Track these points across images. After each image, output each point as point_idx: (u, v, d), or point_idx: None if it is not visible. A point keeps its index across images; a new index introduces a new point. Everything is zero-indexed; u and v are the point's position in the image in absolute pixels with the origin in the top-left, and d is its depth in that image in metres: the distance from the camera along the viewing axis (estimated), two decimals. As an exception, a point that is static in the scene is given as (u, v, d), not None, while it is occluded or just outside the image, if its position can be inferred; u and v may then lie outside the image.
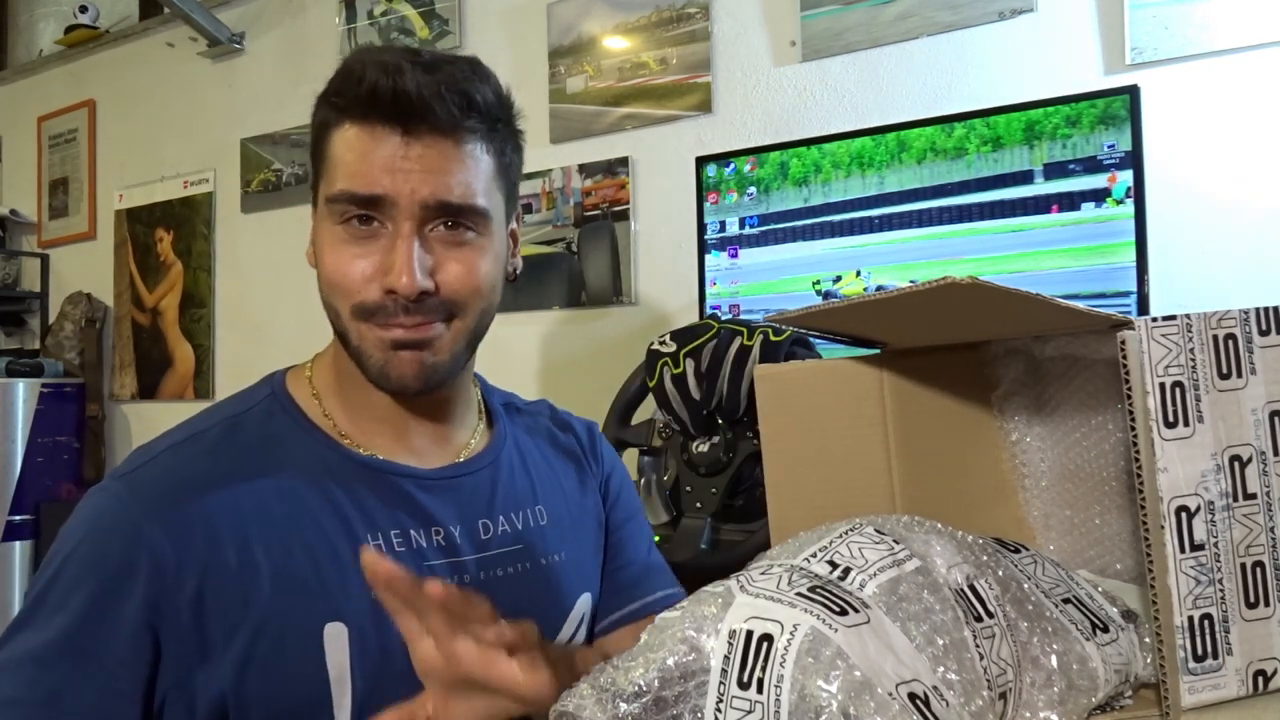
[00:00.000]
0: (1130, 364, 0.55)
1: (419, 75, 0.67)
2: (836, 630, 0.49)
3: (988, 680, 0.53)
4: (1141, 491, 0.55)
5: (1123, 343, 0.55)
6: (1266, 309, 0.57)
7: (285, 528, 0.69)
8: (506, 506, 0.81)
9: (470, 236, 0.71)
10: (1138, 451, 0.55)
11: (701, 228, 1.71)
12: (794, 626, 0.49)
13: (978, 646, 0.53)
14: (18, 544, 2.86)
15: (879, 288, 1.52)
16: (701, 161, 1.72)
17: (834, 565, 0.56)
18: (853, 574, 0.55)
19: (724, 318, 1.62)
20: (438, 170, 0.69)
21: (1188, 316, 0.55)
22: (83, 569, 0.65)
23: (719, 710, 0.48)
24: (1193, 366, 0.55)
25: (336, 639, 0.68)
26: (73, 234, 3.24)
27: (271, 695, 0.66)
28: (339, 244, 0.70)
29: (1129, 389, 0.55)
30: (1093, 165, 1.34)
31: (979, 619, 0.55)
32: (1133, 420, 0.55)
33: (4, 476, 2.84)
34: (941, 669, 0.51)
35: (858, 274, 1.54)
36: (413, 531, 0.74)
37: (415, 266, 0.68)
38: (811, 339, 1.02)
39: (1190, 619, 0.53)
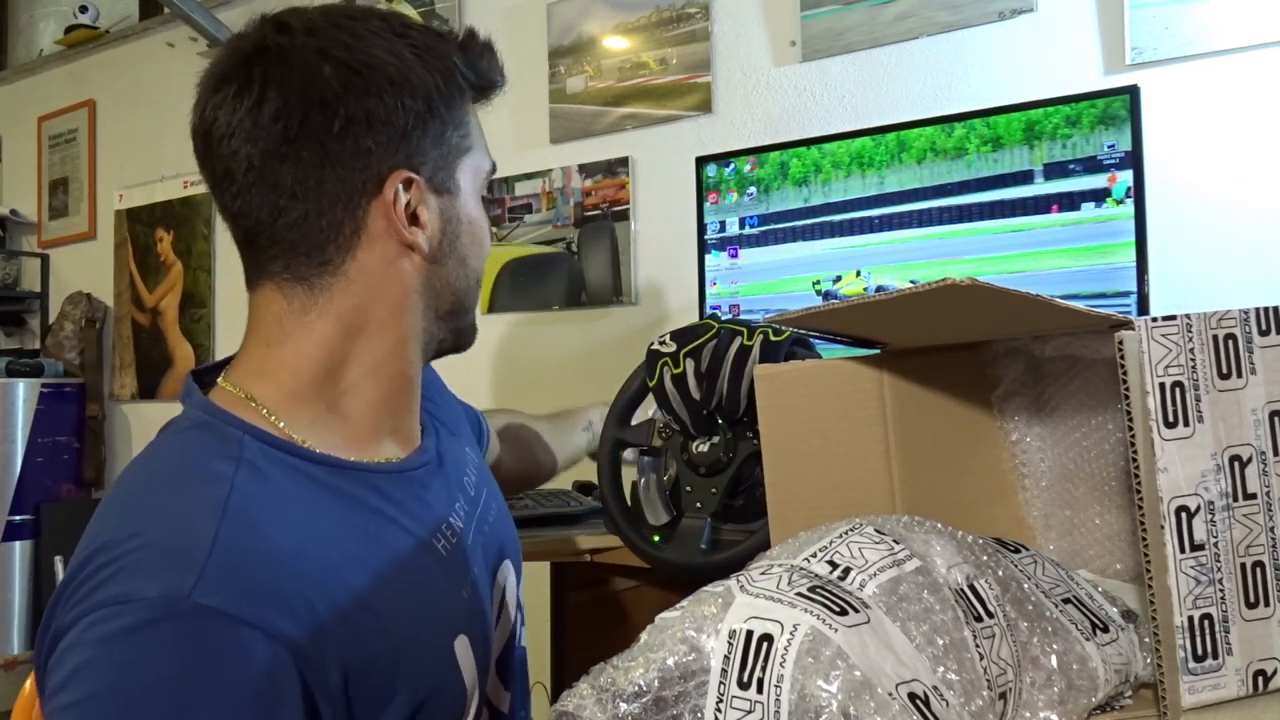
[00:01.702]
0: (1128, 364, 0.55)
1: None
2: (836, 630, 0.49)
3: (988, 680, 0.53)
4: (1139, 492, 0.55)
5: (1120, 343, 0.55)
6: (1266, 309, 0.57)
7: (376, 566, 0.63)
8: (460, 455, 0.81)
9: None
10: (1135, 451, 0.55)
11: (701, 228, 1.71)
12: (794, 626, 0.49)
13: (978, 646, 0.53)
14: (17, 544, 2.86)
15: (879, 288, 1.52)
16: (701, 161, 1.72)
17: (834, 565, 0.56)
18: (853, 574, 0.55)
19: (724, 318, 1.62)
20: None
21: (1188, 316, 0.55)
22: (220, 711, 0.51)
23: (719, 710, 0.48)
24: (1193, 366, 0.55)
25: (464, 651, 0.67)
26: (73, 234, 3.24)
27: None
28: (483, 215, 0.74)
29: (1127, 389, 0.55)
30: (1093, 165, 1.34)
31: (979, 619, 0.55)
32: (1130, 420, 0.55)
33: (4, 476, 2.84)
34: (941, 669, 0.51)
35: (858, 274, 1.54)
36: (451, 519, 0.72)
37: None
38: (811, 339, 1.02)
39: (1190, 619, 0.53)
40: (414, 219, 0.67)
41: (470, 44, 0.70)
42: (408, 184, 0.66)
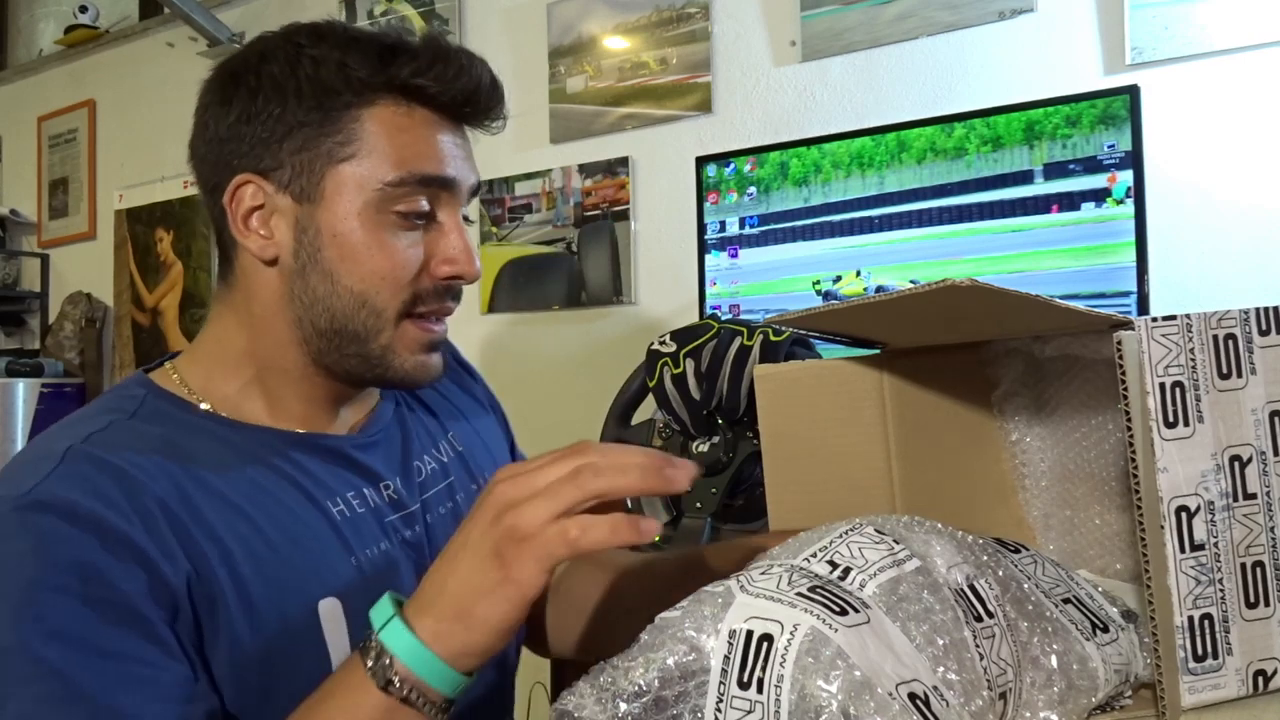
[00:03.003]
0: (1127, 364, 0.55)
1: (492, 75, 0.71)
2: (836, 630, 0.49)
3: (988, 680, 0.53)
4: (1139, 492, 0.55)
5: (1119, 343, 0.55)
6: (1266, 309, 0.57)
7: (246, 509, 0.65)
8: (425, 445, 0.81)
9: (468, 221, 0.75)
10: (1134, 451, 0.55)
11: (701, 228, 1.71)
12: (794, 626, 0.49)
13: (978, 646, 0.53)
14: (18, 544, 2.85)
15: (879, 288, 1.52)
16: (701, 161, 1.72)
17: (834, 565, 0.56)
18: (853, 574, 0.55)
19: (724, 318, 1.62)
20: (470, 154, 0.73)
21: (1188, 316, 0.55)
22: (59, 594, 0.56)
23: (719, 710, 0.48)
24: (1193, 366, 0.55)
25: (333, 615, 0.66)
26: (73, 234, 3.24)
27: (274, 686, 0.63)
28: (391, 234, 0.67)
29: (1125, 389, 0.55)
30: (1093, 165, 1.34)
31: (979, 619, 0.55)
32: (1129, 420, 0.55)
33: (4, 476, 2.84)
34: (941, 669, 0.51)
35: (858, 274, 1.54)
36: (366, 490, 0.72)
37: (475, 249, 0.72)
38: (811, 339, 1.02)
39: (1190, 619, 0.53)
40: (265, 225, 0.68)
41: (399, 48, 0.67)
42: (246, 188, 0.68)
